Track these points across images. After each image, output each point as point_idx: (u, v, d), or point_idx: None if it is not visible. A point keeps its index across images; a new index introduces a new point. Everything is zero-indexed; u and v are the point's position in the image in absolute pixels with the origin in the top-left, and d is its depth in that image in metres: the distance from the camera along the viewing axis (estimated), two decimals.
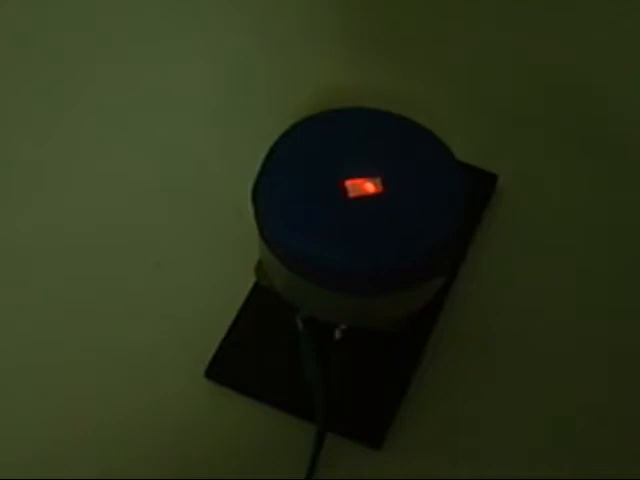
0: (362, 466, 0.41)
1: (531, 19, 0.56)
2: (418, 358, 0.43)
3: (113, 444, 0.42)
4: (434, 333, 0.44)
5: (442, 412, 0.42)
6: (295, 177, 0.36)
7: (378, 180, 0.36)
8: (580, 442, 0.41)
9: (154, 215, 0.48)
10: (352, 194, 0.36)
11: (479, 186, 0.48)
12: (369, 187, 0.36)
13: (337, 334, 0.42)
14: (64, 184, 0.49)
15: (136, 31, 0.55)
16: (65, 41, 0.55)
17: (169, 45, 0.55)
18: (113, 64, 0.54)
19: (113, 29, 0.55)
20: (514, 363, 0.44)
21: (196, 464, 0.41)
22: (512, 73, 0.54)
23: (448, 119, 0.52)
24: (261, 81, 0.53)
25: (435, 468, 0.41)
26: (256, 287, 0.45)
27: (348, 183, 0.36)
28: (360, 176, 0.36)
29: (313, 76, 0.53)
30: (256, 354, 0.43)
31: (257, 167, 0.50)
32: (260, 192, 0.36)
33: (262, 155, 0.50)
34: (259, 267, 0.41)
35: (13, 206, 0.48)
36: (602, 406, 0.42)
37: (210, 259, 0.47)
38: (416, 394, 0.43)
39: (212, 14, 0.56)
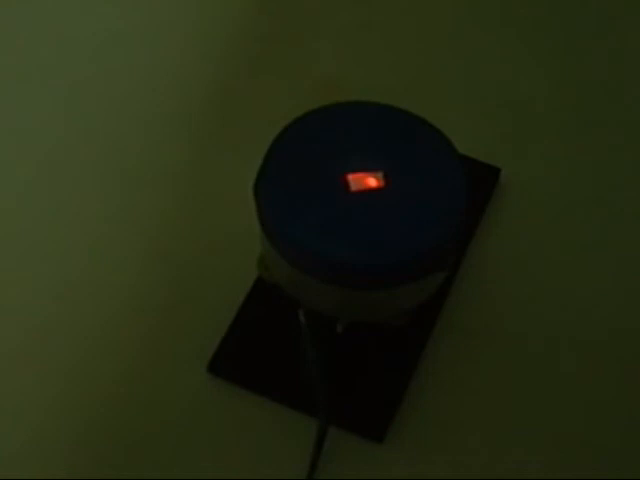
0: (364, 459, 0.41)
1: (533, 15, 0.56)
2: (421, 352, 0.43)
3: (115, 438, 0.42)
4: (437, 327, 0.44)
5: (444, 406, 0.42)
6: (297, 171, 0.36)
7: (380, 174, 0.36)
8: (583, 441, 0.41)
9: (157, 210, 0.48)
10: (354, 188, 0.36)
11: (482, 179, 0.48)
12: (371, 181, 0.36)
13: (339, 328, 0.42)
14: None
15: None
16: None
17: (166, 37, 0.55)
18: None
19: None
20: (517, 358, 0.43)
21: (198, 457, 0.41)
22: (515, 66, 0.53)
23: (451, 113, 0.51)
24: (262, 76, 0.53)
25: (437, 461, 0.41)
26: (258, 281, 0.45)
27: (350, 177, 0.36)
28: (362, 170, 0.36)
29: (314, 70, 0.53)
30: (258, 348, 0.43)
31: (259, 161, 0.50)
32: (262, 186, 0.36)
33: (264, 149, 0.50)
34: (261, 261, 0.41)
35: None
36: (606, 404, 0.42)
37: (213, 253, 0.47)
38: (418, 388, 0.43)
39: (209, 6, 0.56)
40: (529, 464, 0.41)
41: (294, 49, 0.54)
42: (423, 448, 0.41)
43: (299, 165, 0.36)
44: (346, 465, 0.41)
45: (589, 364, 0.43)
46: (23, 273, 0.46)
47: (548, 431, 0.42)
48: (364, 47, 0.54)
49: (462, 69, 0.53)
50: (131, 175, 0.49)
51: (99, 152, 0.50)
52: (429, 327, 0.43)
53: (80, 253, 0.47)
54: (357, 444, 0.41)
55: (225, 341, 0.43)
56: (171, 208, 0.48)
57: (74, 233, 0.47)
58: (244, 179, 0.49)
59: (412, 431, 0.42)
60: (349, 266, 0.34)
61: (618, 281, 0.46)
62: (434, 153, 0.37)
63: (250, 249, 0.47)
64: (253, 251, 0.46)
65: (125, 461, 0.41)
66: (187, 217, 0.48)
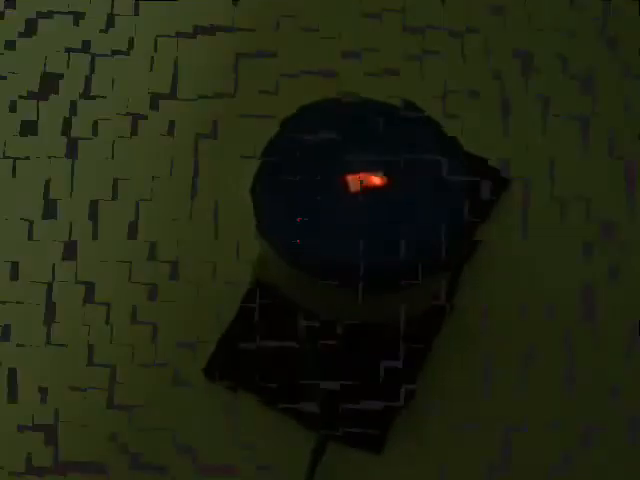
0: (363, 461, 0.41)
1: (537, 15, 0.56)
2: (421, 363, 0.42)
3: (115, 438, 0.42)
4: (438, 337, 0.44)
5: (444, 406, 0.42)
6: (295, 171, 0.36)
7: (380, 174, 0.36)
8: (583, 441, 0.41)
9: (157, 209, 0.48)
10: (354, 188, 0.36)
11: (487, 181, 0.48)
12: (371, 181, 0.36)
13: (339, 328, 0.42)
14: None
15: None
16: None
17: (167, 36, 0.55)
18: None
19: None
20: (517, 359, 0.43)
21: (198, 458, 0.41)
22: (520, 65, 0.53)
23: (451, 113, 0.51)
24: (262, 75, 0.53)
25: (435, 473, 0.41)
26: (255, 285, 0.45)
27: (350, 177, 0.36)
28: (362, 170, 0.36)
29: (314, 69, 0.53)
30: (257, 349, 0.43)
31: (259, 161, 0.50)
32: (259, 186, 0.36)
33: (260, 149, 0.50)
34: (260, 261, 0.41)
35: None
36: (606, 405, 0.42)
37: (213, 253, 0.47)
38: (418, 388, 0.43)
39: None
40: (529, 464, 0.41)
41: (294, 48, 0.54)
42: (423, 448, 0.41)
43: (296, 165, 0.36)
44: (344, 475, 0.41)
45: (589, 364, 0.43)
46: (23, 273, 0.46)
47: (548, 431, 0.42)
48: (364, 46, 0.54)
49: (462, 69, 0.53)
50: (132, 175, 0.49)
51: (100, 152, 0.50)
52: (429, 327, 0.43)
53: (80, 253, 0.47)
54: (356, 455, 0.41)
55: (223, 342, 0.43)
56: (171, 208, 0.48)
57: (74, 233, 0.47)
58: (244, 179, 0.49)
59: (412, 432, 0.42)
60: (349, 266, 0.34)
61: (618, 281, 0.46)
62: (438, 154, 0.37)
63: (250, 249, 0.46)
64: (253, 251, 0.46)
65: (125, 461, 0.41)
66: (187, 217, 0.48)
